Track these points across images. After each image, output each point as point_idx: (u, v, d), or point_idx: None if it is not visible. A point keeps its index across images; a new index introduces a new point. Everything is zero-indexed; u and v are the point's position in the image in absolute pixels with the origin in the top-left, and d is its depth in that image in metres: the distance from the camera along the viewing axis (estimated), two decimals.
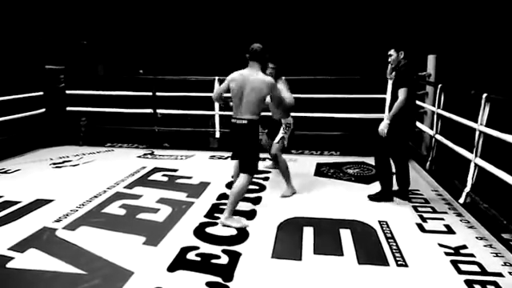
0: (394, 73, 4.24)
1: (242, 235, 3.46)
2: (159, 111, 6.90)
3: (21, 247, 3.19)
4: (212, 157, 6.12)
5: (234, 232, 3.51)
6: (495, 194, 3.83)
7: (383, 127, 4.01)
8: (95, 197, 4.30)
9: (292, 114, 4.65)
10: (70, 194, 4.35)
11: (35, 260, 3.01)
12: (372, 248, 3.24)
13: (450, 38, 7.66)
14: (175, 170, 5.33)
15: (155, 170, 5.35)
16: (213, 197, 4.36)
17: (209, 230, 3.55)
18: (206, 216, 3.85)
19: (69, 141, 6.81)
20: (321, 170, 5.38)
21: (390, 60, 4.17)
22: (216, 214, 3.87)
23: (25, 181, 4.90)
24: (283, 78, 4.52)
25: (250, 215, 3.86)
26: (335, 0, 8.95)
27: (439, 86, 5.16)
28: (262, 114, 3.76)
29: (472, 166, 4.09)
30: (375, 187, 4.69)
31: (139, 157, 6.09)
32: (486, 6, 7.42)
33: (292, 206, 4.12)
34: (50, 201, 4.17)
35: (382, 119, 4.75)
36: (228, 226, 3.59)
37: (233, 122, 3.66)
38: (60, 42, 8.61)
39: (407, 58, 4.08)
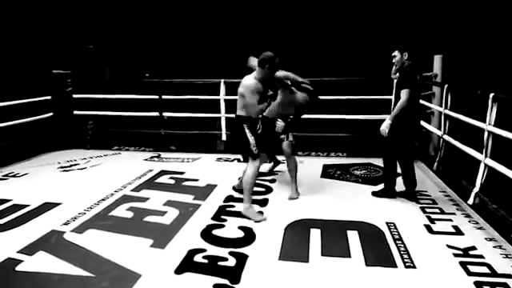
0: (397, 73, 4.25)
1: (249, 237, 3.45)
2: (165, 114, 6.92)
3: (30, 250, 3.21)
4: (218, 159, 6.13)
5: (241, 234, 3.51)
6: (504, 194, 3.80)
7: (384, 127, 4.04)
8: (103, 200, 4.32)
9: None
10: (77, 198, 4.38)
11: (44, 263, 3.03)
12: (380, 250, 3.22)
13: (456, 38, 7.62)
14: (182, 173, 5.34)
15: (162, 172, 5.37)
16: (220, 199, 4.36)
17: (216, 232, 3.56)
18: (212, 218, 3.85)
19: (76, 144, 6.85)
20: (327, 172, 5.36)
21: (394, 61, 4.18)
22: (223, 217, 3.87)
23: (33, 184, 4.94)
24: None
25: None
26: (341, 1, 8.94)
27: (446, 86, 5.13)
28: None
29: (482, 166, 4.06)
30: None
31: (146, 160, 6.11)
32: (491, 5, 7.38)
33: (299, 207, 4.11)
34: (58, 204, 4.20)
35: None
36: (247, 218, 3.76)
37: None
38: (67, 47, 8.67)
39: (412, 59, 4.08)
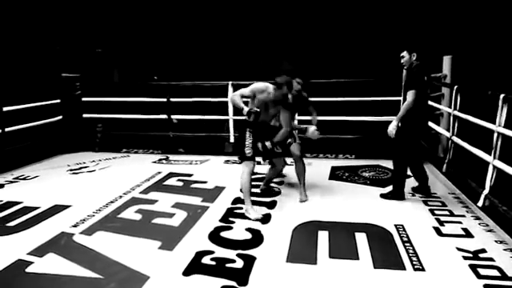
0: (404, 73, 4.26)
1: (257, 239, 3.45)
2: (174, 117, 6.95)
3: (40, 252, 3.24)
4: (227, 161, 6.14)
5: (248, 236, 3.51)
6: None
7: (391, 128, 4.05)
8: (111, 202, 4.35)
9: (306, 117, 4.66)
10: (86, 200, 4.41)
11: (53, 264, 3.06)
12: (388, 252, 3.21)
13: (466, 38, 7.56)
14: (190, 175, 5.36)
15: (170, 175, 5.39)
16: (228, 201, 4.37)
17: (224, 234, 3.56)
18: (221, 220, 3.86)
19: (85, 147, 6.91)
20: (336, 174, 5.35)
21: (402, 61, 4.17)
22: (231, 219, 3.88)
23: (43, 187, 4.98)
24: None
25: (265, 219, 3.86)
26: (349, 2, 8.91)
27: (455, 87, 5.10)
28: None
29: (490, 168, 4.03)
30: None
31: (154, 162, 6.14)
32: (501, 6, 7.31)
33: (307, 209, 4.11)
34: (68, 206, 4.23)
35: None
36: (247, 217, 3.84)
37: None
38: (75, 51, 8.75)
39: (420, 60, 4.07)
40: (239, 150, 4.00)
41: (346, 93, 6.40)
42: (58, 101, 6.87)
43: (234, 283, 2.78)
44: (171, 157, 6.47)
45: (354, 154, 6.29)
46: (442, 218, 3.84)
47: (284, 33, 8.97)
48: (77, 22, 8.89)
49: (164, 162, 6.18)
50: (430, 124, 5.74)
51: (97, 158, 6.39)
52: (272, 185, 4.77)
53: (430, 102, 5.14)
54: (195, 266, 3.02)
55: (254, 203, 4.06)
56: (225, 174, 5.37)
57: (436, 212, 3.99)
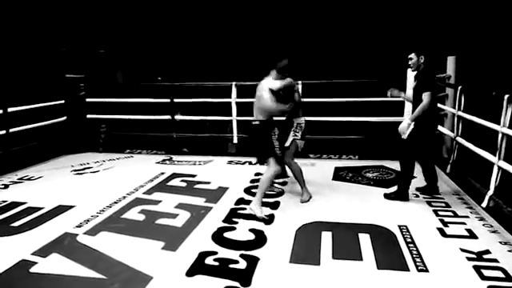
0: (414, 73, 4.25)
1: (260, 240, 3.45)
2: (177, 117, 6.97)
3: (43, 252, 3.26)
4: (230, 162, 6.14)
5: (252, 237, 3.51)
6: None
7: (405, 129, 4.02)
8: (115, 203, 4.36)
9: (310, 118, 4.65)
10: (90, 200, 4.42)
11: (57, 265, 3.07)
12: (392, 253, 3.20)
13: (470, 39, 7.54)
14: (194, 176, 5.36)
15: (174, 175, 5.40)
16: (231, 202, 4.36)
17: (227, 234, 3.56)
18: (224, 221, 3.86)
19: (89, 148, 6.93)
20: (339, 174, 5.34)
21: (410, 63, 4.16)
22: (234, 219, 3.88)
23: (47, 187, 5.00)
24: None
25: (269, 220, 3.85)
26: (352, 3, 8.91)
27: (459, 87, 5.08)
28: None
29: (495, 168, 4.01)
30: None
31: (158, 163, 6.15)
32: (505, 6, 7.28)
33: (310, 210, 4.10)
34: (72, 207, 4.25)
35: (400, 122, 4.71)
36: (253, 214, 3.87)
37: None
38: (80, 52, 8.78)
39: (427, 63, 4.07)
40: (263, 151, 4.00)
41: (349, 93, 6.38)
42: (63, 101, 6.89)
43: (237, 284, 2.78)
44: (175, 157, 6.47)
45: (357, 155, 6.27)
46: (446, 219, 3.82)
47: (288, 34, 8.97)
48: (81, 24, 8.93)
49: (167, 162, 6.19)
50: None
51: (100, 159, 6.41)
52: (277, 189, 4.75)
53: None
54: (198, 267, 3.02)
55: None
56: (228, 175, 5.37)
57: (440, 213, 3.98)
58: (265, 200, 4.23)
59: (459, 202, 4.30)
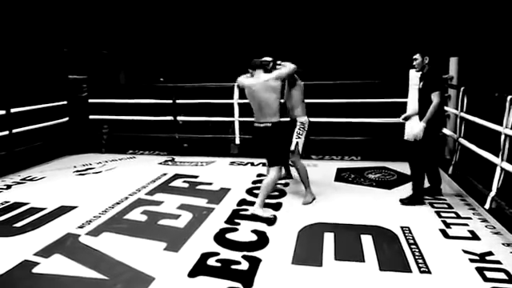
0: (419, 74, 4.23)
1: (263, 241, 3.45)
2: (179, 118, 6.97)
3: (46, 253, 3.26)
4: (232, 163, 6.14)
5: (254, 238, 3.51)
6: None
7: (419, 131, 3.99)
8: (117, 203, 4.36)
9: (312, 118, 4.65)
10: (92, 201, 4.43)
11: (59, 265, 3.07)
12: (394, 254, 3.19)
13: (473, 40, 7.52)
14: (196, 177, 5.37)
15: (176, 176, 5.40)
16: (233, 203, 4.36)
17: (229, 235, 3.56)
18: (226, 222, 3.86)
19: (92, 148, 6.94)
20: (341, 176, 5.33)
21: (414, 63, 4.16)
22: (236, 220, 3.88)
23: (50, 188, 5.01)
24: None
25: (271, 221, 3.85)
26: (354, 4, 8.90)
27: (462, 88, 5.07)
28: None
29: (498, 170, 4.00)
30: (397, 192, 4.64)
31: (160, 163, 6.16)
32: (508, 7, 7.27)
33: (312, 211, 4.10)
34: (74, 207, 4.26)
35: (402, 123, 4.70)
36: (256, 215, 3.87)
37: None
38: (82, 53, 8.79)
39: (431, 64, 4.06)
40: (278, 154, 4.01)
41: (352, 94, 6.38)
42: (65, 102, 6.91)
43: (239, 285, 2.78)
44: (177, 158, 6.48)
45: (359, 156, 6.27)
46: (449, 221, 3.81)
47: (291, 35, 8.97)
48: (83, 25, 8.94)
49: (170, 163, 6.20)
50: None
51: (103, 160, 6.42)
52: (278, 186, 4.76)
53: None
54: (200, 268, 3.02)
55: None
56: (230, 176, 5.37)
57: (442, 214, 3.97)
58: (267, 201, 4.22)
59: (462, 203, 4.29)
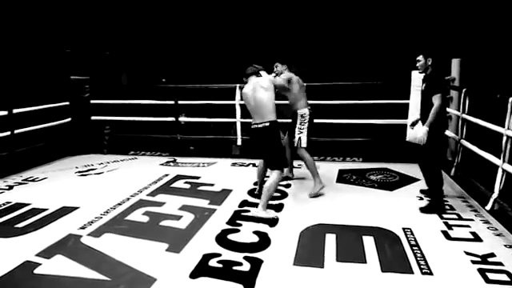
0: (422, 75, 4.22)
1: (264, 242, 3.45)
2: (181, 119, 6.98)
3: (47, 253, 3.26)
4: (234, 164, 6.14)
5: (255, 239, 3.51)
6: None
7: (423, 135, 3.93)
8: (119, 204, 4.37)
9: (314, 120, 4.68)
10: (94, 202, 4.43)
11: (61, 266, 3.07)
12: (396, 255, 3.19)
13: (475, 41, 7.51)
14: (197, 178, 5.37)
15: (178, 177, 5.40)
16: (235, 204, 4.37)
17: (231, 236, 3.56)
18: (228, 223, 3.86)
19: (93, 149, 6.95)
20: (343, 177, 5.33)
21: (417, 65, 4.15)
22: (238, 221, 3.88)
23: (51, 189, 5.02)
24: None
25: (273, 222, 3.85)
26: (357, 5, 8.90)
27: (464, 90, 5.07)
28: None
29: (500, 171, 3.99)
30: (399, 193, 4.64)
31: (162, 164, 6.16)
32: (510, 8, 7.26)
33: (314, 212, 4.09)
34: (76, 208, 4.26)
35: (404, 125, 4.70)
36: (258, 218, 3.87)
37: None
38: (84, 54, 8.81)
39: (435, 66, 4.04)
40: (276, 154, 4.06)
41: (354, 96, 6.38)
42: (67, 103, 6.92)
43: (240, 286, 2.78)
44: (178, 159, 6.48)
45: (361, 157, 6.26)
46: (451, 222, 3.81)
47: (293, 36, 8.97)
48: (86, 25, 8.96)
49: (171, 164, 6.20)
50: None
51: (105, 160, 6.43)
52: (279, 188, 4.77)
53: None
54: (202, 269, 3.02)
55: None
56: (232, 177, 5.38)
57: (444, 216, 3.96)
58: (269, 202, 4.23)
59: (464, 204, 4.28)
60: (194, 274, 2.94)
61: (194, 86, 7.13)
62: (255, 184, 4.74)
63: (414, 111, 4.52)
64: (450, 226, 3.71)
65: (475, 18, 7.72)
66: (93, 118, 7.15)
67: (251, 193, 4.69)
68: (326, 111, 6.10)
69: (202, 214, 4.06)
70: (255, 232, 3.64)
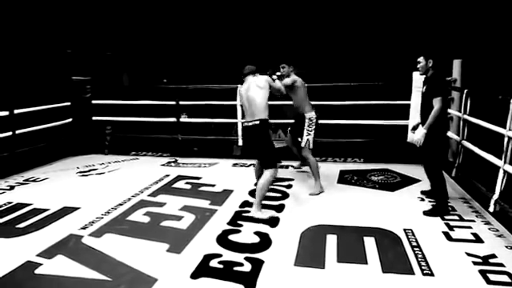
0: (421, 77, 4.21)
1: (265, 243, 3.45)
2: (182, 118, 6.99)
3: (48, 254, 3.27)
4: (235, 164, 6.14)
5: (256, 239, 3.51)
6: None
7: (420, 136, 3.94)
8: (120, 204, 4.37)
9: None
10: (95, 202, 4.44)
11: (62, 266, 3.08)
12: (397, 256, 3.18)
13: (476, 42, 7.51)
14: (198, 178, 5.37)
15: (179, 177, 5.41)
16: (236, 204, 4.37)
17: (232, 237, 3.56)
18: (229, 223, 3.86)
19: (95, 150, 6.95)
20: (344, 178, 5.32)
21: (418, 66, 4.14)
22: (239, 222, 3.88)
23: (53, 189, 5.03)
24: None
25: (273, 222, 3.85)
26: (357, 6, 8.90)
27: (465, 91, 5.06)
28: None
29: (501, 172, 3.98)
30: (400, 194, 4.63)
31: (163, 165, 6.16)
32: (511, 9, 7.26)
33: (315, 213, 4.09)
34: (77, 208, 4.27)
35: (405, 125, 4.69)
36: (257, 219, 3.86)
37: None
38: (86, 54, 8.82)
39: (435, 67, 4.03)
40: (268, 152, 4.07)
41: (355, 96, 6.37)
42: (69, 103, 6.93)
43: (241, 286, 2.78)
44: (180, 160, 6.48)
45: (362, 158, 6.26)
46: (452, 223, 3.80)
47: (294, 37, 8.98)
48: (87, 26, 8.97)
49: (172, 164, 6.20)
50: None
51: (106, 161, 6.43)
52: (280, 188, 4.78)
53: None
54: (203, 269, 3.02)
55: (262, 206, 4.05)
56: (233, 178, 5.38)
57: (445, 217, 3.95)
58: (269, 203, 4.27)
59: (465, 205, 4.27)
60: (194, 275, 2.94)
61: (195, 87, 7.13)
62: (255, 184, 4.73)
63: (415, 112, 4.51)
64: (451, 227, 3.71)
65: (476, 18, 7.72)
66: (94, 118, 7.15)
67: (252, 193, 4.68)
68: (327, 112, 6.09)
69: (203, 215, 4.06)
70: (256, 232, 3.64)
